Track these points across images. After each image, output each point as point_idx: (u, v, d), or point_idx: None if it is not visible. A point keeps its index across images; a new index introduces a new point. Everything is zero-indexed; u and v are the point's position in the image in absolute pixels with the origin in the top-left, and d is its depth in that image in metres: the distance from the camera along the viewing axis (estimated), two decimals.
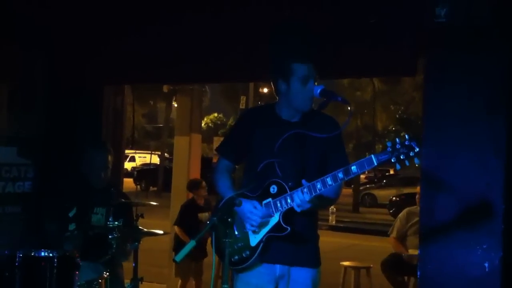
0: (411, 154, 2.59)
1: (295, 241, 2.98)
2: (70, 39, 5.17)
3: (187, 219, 6.73)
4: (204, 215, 6.67)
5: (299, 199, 2.81)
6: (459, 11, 3.57)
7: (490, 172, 3.46)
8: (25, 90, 5.28)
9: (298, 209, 2.85)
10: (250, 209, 2.93)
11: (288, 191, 2.90)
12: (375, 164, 2.65)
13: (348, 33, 4.40)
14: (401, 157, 2.60)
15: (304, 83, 2.99)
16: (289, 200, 2.88)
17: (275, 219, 2.94)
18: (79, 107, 5.36)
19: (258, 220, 2.93)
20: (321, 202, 2.94)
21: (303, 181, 2.82)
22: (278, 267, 3.04)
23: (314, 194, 2.80)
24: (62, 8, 4.92)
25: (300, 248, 3.02)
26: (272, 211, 2.95)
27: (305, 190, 2.80)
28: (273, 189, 2.95)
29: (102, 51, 5.14)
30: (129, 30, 5.00)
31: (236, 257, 2.98)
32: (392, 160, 2.60)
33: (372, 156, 2.66)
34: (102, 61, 5.19)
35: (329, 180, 2.77)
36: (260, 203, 2.97)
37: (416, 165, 2.87)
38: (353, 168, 2.72)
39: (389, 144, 2.64)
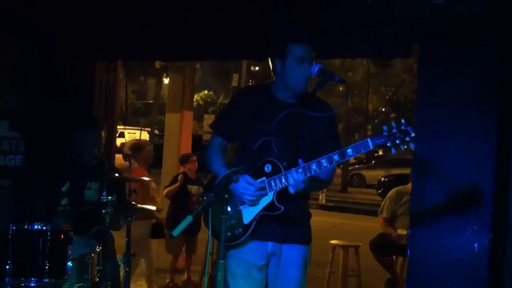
0: (406, 139, 2.62)
1: (287, 220, 3.00)
2: (62, 15, 5.12)
3: (181, 189, 6.84)
4: (193, 188, 6.75)
5: (294, 179, 2.83)
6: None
7: (479, 158, 3.50)
8: (17, 65, 5.23)
9: (292, 190, 2.87)
10: (243, 185, 2.95)
11: (283, 170, 2.91)
12: (371, 147, 2.67)
13: (342, 13, 4.38)
14: (397, 142, 2.62)
15: (299, 64, 2.99)
16: (283, 180, 2.90)
17: (268, 198, 2.96)
18: (71, 82, 5.32)
19: (252, 197, 2.95)
20: (314, 184, 2.96)
21: (300, 161, 2.83)
22: (269, 244, 3.08)
23: (308, 175, 2.82)
24: None
25: (291, 227, 3.05)
26: (266, 190, 2.97)
27: (300, 170, 2.82)
28: (268, 168, 2.97)
29: (95, 26, 5.09)
30: (123, 6, 4.96)
31: (229, 234, 3.00)
32: (388, 144, 2.62)
33: (368, 139, 2.68)
34: (95, 36, 5.14)
35: (324, 162, 2.79)
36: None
37: (412, 150, 2.90)
38: (349, 151, 2.75)
39: (385, 128, 2.65)
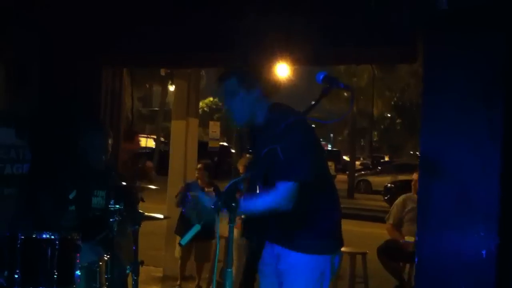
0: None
1: (284, 227, 3.00)
2: (69, 21, 5.14)
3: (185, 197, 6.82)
4: (192, 194, 6.71)
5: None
6: None
7: (486, 158, 3.48)
8: (22, 72, 5.25)
9: None
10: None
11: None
12: None
13: (347, 19, 4.40)
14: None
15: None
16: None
17: None
18: (77, 89, 5.35)
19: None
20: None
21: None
22: (276, 246, 3.08)
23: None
24: None
25: (291, 233, 3.02)
26: None
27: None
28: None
29: (101, 32, 5.12)
30: (129, 13, 4.98)
31: None
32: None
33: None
34: (101, 42, 5.17)
35: None
36: None
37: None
38: None
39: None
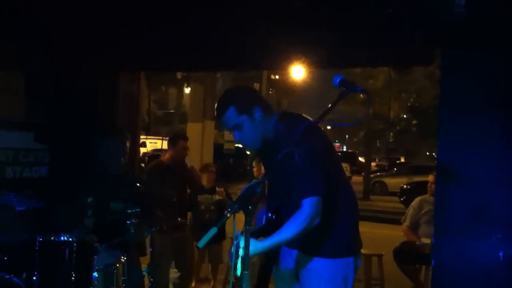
0: None
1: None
2: (84, 25, 5.19)
3: (193, 201, 6.78)
4: (202, 197, 6.74)
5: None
6: (476, 3, 3.56)
7: (503, 167, 3.48)
8: (42, 77, 5.31)
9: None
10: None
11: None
12: None
13: (364, 22, 4.40)
14: None
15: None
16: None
17: None
18: (96, 94, 5.40)
19: None
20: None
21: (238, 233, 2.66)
22: (293, 251, 3.05)
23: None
24: None
25: (311, 239, 2.96)
26: None
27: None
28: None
29: (119, 38, 5.16)
30: (144, 18, 5.01)
31: None
32: None
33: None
34: (119, 48, 5.21)
35: None
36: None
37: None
38: None
39: None
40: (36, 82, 5.29)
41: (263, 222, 3.01)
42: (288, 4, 4.55)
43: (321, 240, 3.00)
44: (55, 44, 5.27)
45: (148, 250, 3.89)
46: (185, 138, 6.06)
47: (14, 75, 5.19)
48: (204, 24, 4.90)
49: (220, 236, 6.11)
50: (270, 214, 2.92)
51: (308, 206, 2.77)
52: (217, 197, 6.68)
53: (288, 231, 2.77)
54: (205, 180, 6.92)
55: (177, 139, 5.99)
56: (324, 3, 4.47)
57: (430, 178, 6.46)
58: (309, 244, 2.99)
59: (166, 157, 5.83)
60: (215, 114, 2.98)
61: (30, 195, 5.06)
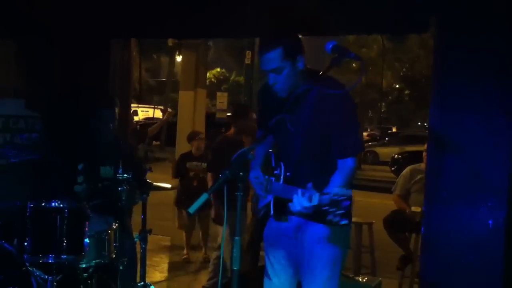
0: None
1: None
2: None
3: (180, 168, 6.95)
4: (192, 164, 6.76)
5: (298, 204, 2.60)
6: None
7: (498, 134, 3.47)
8: (32, 45, 5.24)
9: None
10: (253, 175, 2.92)
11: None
12: None
13: None
14: None
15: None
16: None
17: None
18: (85, 60, 5.33)
19: (261, 188, 2.88)
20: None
21: (309, 185, 2.62)
22: (297, 219, 2.97)
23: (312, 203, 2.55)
24: None
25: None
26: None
27: (305, 196, 2.58)
28: (278, 170, 2.90)
29: (109, 3, 5.08)
30: None
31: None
32: None
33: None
34: (109, 14, 5.13)
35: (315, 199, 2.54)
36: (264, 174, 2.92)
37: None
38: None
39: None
40: (27, 50, 5.22)
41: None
42: None
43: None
44: (46, 11, 5.19)
45: (140, 216, 3.89)
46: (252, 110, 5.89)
47: (5, 43, 5.12)
48: None
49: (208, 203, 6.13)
50: (289, 174, 2.87)
51: (348, 166, 2.79)
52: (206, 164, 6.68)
53: (337, 185, 2.74)
54: (194, 148, 6.93)
55: (247, 111, 5.74)
56: None
57: (426, 146, 6.47)
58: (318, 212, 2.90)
59: (231, 131, 5.62)
60: (259, 50, 2.87)
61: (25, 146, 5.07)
